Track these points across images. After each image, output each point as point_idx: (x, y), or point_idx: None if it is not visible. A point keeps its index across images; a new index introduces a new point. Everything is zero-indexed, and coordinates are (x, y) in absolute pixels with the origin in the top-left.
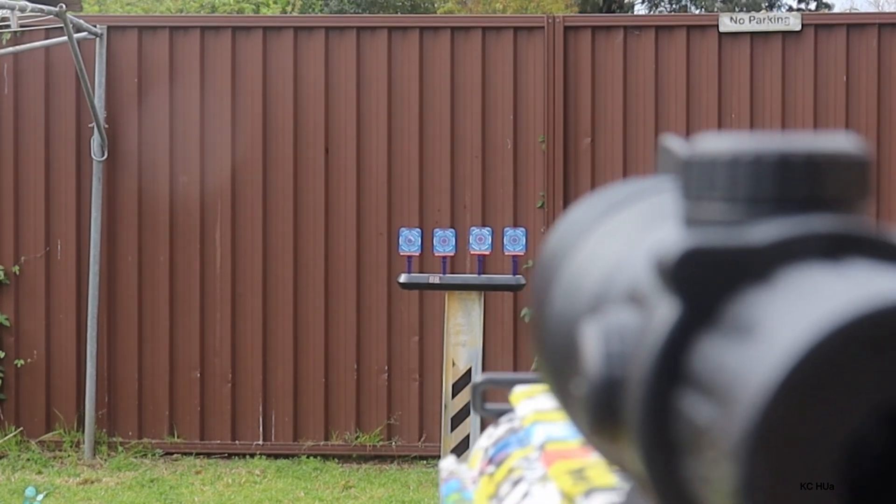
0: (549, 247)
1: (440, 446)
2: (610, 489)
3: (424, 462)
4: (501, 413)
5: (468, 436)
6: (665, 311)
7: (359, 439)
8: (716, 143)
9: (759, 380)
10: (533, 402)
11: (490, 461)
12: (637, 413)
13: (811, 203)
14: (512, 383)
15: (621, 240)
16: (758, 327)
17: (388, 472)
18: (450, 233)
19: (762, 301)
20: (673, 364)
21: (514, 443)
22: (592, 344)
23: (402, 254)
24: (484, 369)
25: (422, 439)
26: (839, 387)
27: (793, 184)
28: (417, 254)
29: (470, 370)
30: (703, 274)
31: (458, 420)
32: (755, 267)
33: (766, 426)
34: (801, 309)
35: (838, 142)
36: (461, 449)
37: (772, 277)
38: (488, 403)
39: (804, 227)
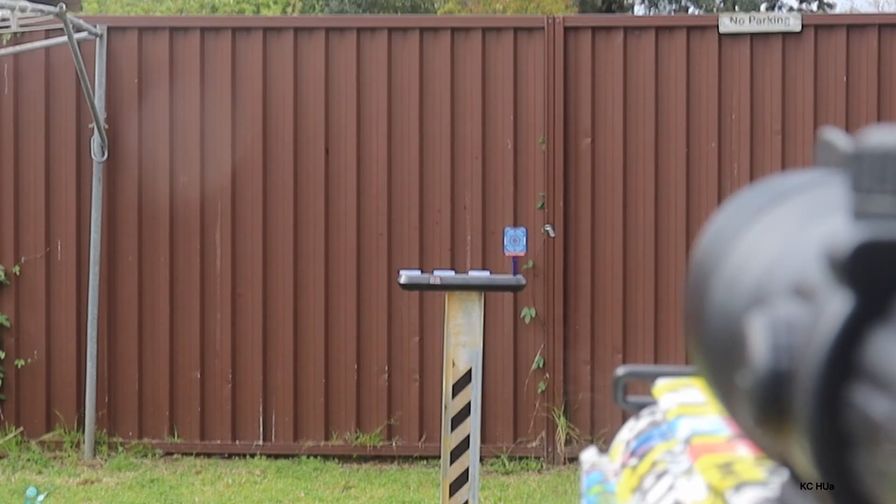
0: (706, 240)
1: (440, 446)
2: (760, 483)
3: (425, 462)
4: (643, 406)
5: (468, 436)
6: (838, 303)
7: (359, 439)
8: (886, 137)
9: None
10: (677, 396)
11: (632, 454)
12: (808, 406)
13: None
14: (654, 376)
15: (783, 233)
16: None
17: (389, 472)
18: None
19: None
20: (846, 357)
21: (657, 436)
22: (760, 336)
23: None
24: (484, 370)
25: (422, 439)
26: None
27: None
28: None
29: (470, 370)
30: (877, 267)
31: (458, 420)
32: None
33: None
34: None
35: None
36: (461, 449)
37: None
38: (630, 396)
39: None
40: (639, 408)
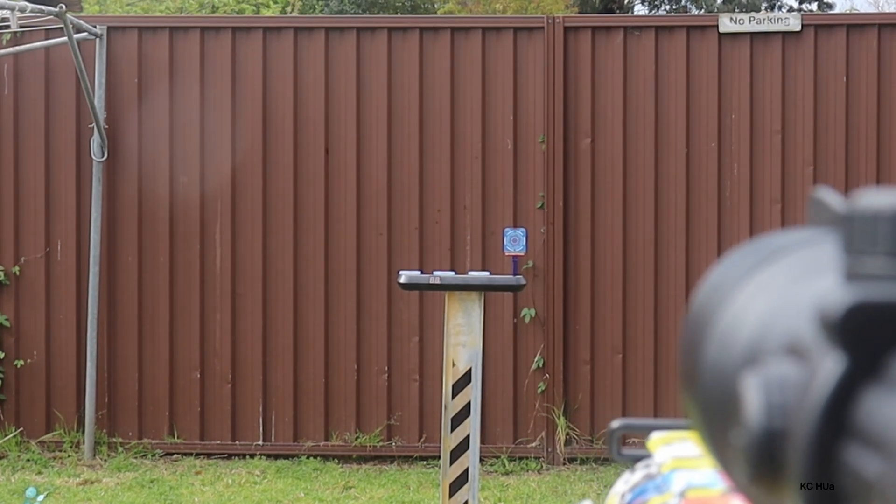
0: (701, 295)
1: (440, 447)
2: None
3: (424, 462)
4: (638, 458)
5: (468, 436)
6: (830, 364)
7: (359, 440)
8: (878, 198)
9: None
10: (671, 449)
11: None
12: (801, 465)
13: None
14: (649, 429)
15: (777, 291)
16: None
17: (389, 472)
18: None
19: None
20: (839, 417)
21: (652, 489)
22: (753, 395)
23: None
24: (484, 370)
25: (422, 440)
26: None
27: None
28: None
29: (470, 370)
30: (869, 328)
31: (458, 420)
32: None
33: None
34: None
35: None
36: (461, 450)
37: None
38: (625, 448)
39: None
40: (634, 460)
